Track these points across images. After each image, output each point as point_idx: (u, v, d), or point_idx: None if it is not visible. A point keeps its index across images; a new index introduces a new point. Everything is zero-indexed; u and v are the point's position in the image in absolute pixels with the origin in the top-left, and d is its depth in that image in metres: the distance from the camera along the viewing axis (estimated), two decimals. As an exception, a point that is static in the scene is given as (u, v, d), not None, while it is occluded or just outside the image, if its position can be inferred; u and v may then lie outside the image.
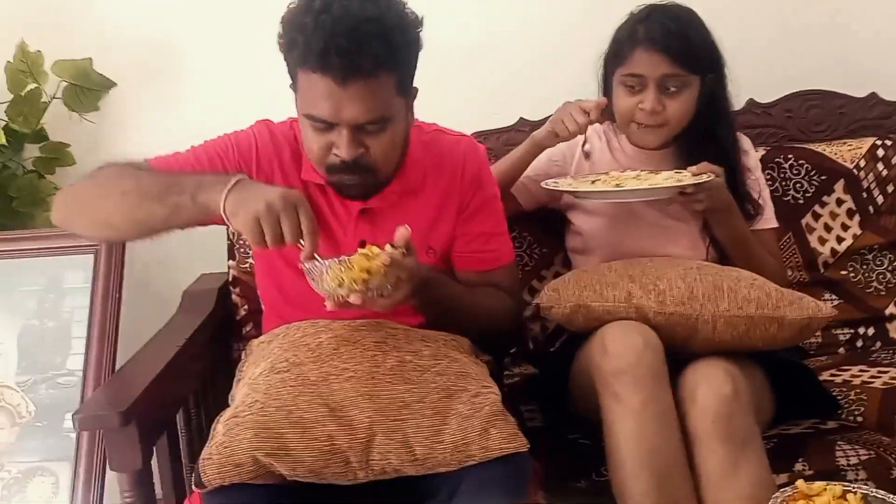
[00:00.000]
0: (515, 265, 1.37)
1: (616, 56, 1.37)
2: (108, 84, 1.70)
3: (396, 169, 1.21)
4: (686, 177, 1.30)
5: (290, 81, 1.14)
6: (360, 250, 1.04)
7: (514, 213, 1.46)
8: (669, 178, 1.30)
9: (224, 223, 1.08)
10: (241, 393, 1.07)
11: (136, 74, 1.71)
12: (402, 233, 1.07)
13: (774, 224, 1.46)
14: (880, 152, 1.64)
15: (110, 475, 1.18)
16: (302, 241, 1.04)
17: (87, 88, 1.68)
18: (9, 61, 1.63)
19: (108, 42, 1.69)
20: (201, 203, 1.06)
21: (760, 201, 1.43)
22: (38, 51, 1.64)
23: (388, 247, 1.05)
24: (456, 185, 1.25)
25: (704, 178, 1.29)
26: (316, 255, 1.04)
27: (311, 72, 1.07)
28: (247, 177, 1.10)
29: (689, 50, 1.32)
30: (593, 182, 1.34)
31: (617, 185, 1.30)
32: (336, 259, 1.03)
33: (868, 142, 1.65)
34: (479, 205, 1.27)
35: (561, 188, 1.36)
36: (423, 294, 1.13)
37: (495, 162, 1.45)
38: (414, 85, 1.17)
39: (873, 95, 1.71)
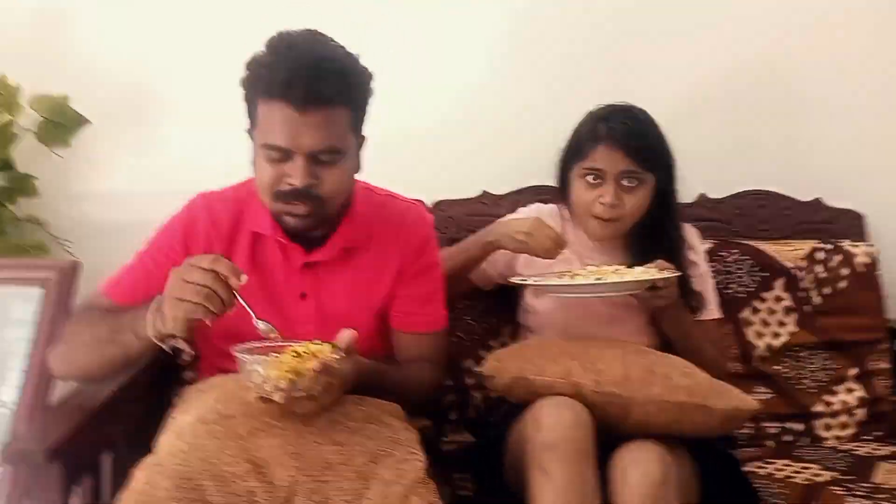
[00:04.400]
0: (447, 334, 1.39)
1: (576, 151, 1.42)
2: (82, 121, 1.73)
3: (339, 216, 1.24)
4: (653, 272, 1.32)
5: (248, 125, 1.19)
6: (293, 347, 1.04)
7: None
8: (644, 274, 1.32)
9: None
10: (166, 440, 1.07)
11: (110, 114, 1.75)
12: (345, 336, 1.08)
13: (717, 315, 1.51)
14: (820, 255, 1.70)
15: (28, 513, 1.16)
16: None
17: (61, 124, 1.71)
18: (-14, 92, 1.66)
19: (86, 80, 1.73)
20: (140, 334, 1.10)
21: (705, 294, 1.48)
22: (17, 84, 1.67)
23: (327, 347, 1.05)
24: (400, 249, 1.29)
25: (671, 273, 1.33)
26: (251, 346, 1.06)
27: (272, 101, 1.12)
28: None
29: (646, 148, 1.39)
30: (573, 276, 1.35)
31: (598, 279, 1.32)
32: (268, 352, 1.04)
33: (809, 244, 1.71)
34: (420, 269, 1.31)
35: (543, 284, 1.36)
36: (355, 388, 1.13)
37: (451, 233, 1.49)
38: (363, 134, 1.23)
39: (817, 201, 1.79)
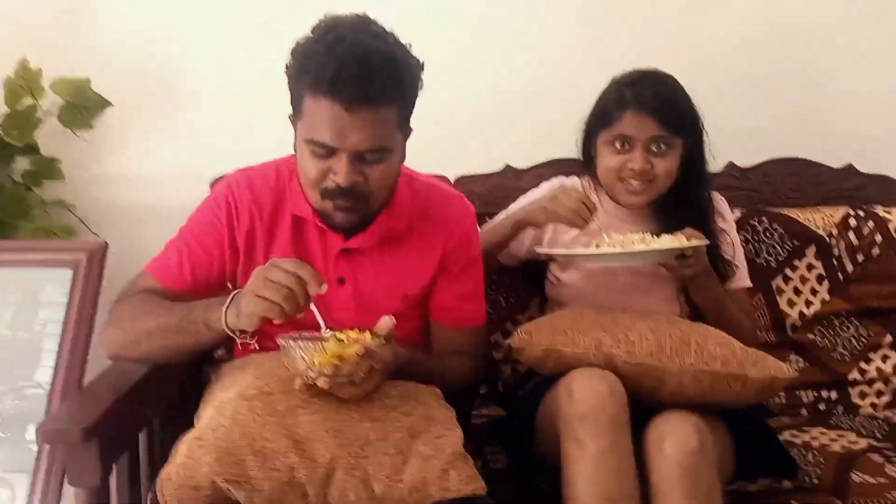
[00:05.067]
0: (486, 328, 1.39)
1: (603, 118, 1.41)
2: (103, 104, 1.72)
3: (383, 207, 1.22)
4: (681, 240, 1.31)
5: (291, 111, 1.16)
6: (336, 334, 1.05)
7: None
8: (671, 242, 1.31)
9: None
10: (207, 415, 1.07)
11: (133, 96, 1.74)
12: (385, 322, 1.08)
13: (748, 284, 1.50)
14: (852, 222, 1.68)
15: (68, 490, 1.17)
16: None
17: (83, 107, 1.70)
18: (9, 76, 1.65)
19: (108, 63, 1.72)
20: (213, 325, 1.10)
21: (735, 262, 1.46)
22: (39, 68, 1.66)
23: (367, 335, 1.06)
24: (441, 240, 1.27)
25: (700, 242, 1.31)
26: (294, 334, 1.07)
27: (319, 97, 1.09)
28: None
29: (674, 112, 1.37)
30: (597, 245, 1.35)
31: (624, 248, 1.31)
32: (311, 340, 1.04)
33: (841, 211, 1.69)
34: (464, 266, 1.30)
35: (570, 254, 1.35)
36: (392, 375, 1.14)
37: (475, 208, 1.47)
38: (410, 127, 1.20)
39: (849, 167, 1.76)
